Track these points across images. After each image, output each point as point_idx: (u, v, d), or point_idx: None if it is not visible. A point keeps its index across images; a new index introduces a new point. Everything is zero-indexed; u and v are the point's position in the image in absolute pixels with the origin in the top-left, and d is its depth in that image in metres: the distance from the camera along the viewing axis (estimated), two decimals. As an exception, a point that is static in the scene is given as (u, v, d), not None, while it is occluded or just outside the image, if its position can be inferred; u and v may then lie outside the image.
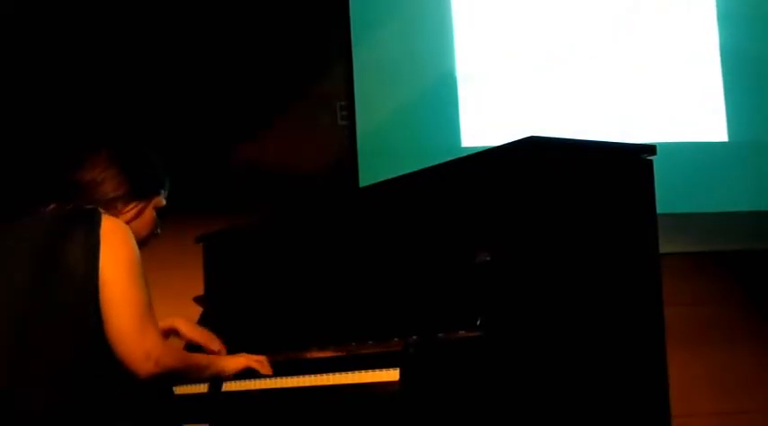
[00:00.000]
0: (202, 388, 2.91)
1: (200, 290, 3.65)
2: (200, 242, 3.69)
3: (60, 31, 4.51)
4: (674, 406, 2.85)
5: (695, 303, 4.88)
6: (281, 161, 4.71)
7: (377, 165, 4.60)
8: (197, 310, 3.54)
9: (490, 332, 2.48)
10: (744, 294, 5.00)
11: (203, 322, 3.47)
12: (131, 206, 2.68)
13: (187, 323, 3.05)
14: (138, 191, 2.69)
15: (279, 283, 3.32)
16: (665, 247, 2.92)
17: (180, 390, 2.97)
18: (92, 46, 4.54)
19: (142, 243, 2.65)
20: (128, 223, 2.63)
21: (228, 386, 2.88)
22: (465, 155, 2.85)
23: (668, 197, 3.46)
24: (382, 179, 3.12)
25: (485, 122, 4.80)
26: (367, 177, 4.59)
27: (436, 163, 2.89)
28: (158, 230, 2.79)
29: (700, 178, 4.91)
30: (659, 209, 2.88)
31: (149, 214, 2.74)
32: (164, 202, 2.79)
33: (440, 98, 4.82)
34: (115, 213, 2.62)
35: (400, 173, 3.00)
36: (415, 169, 2.93)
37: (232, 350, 2.97)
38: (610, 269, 2.77)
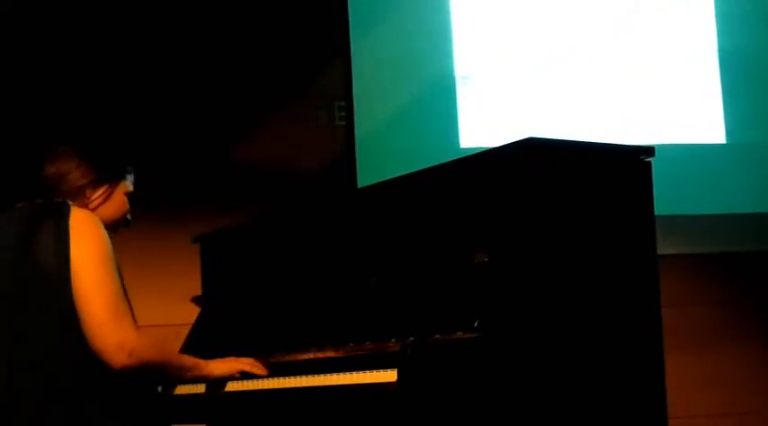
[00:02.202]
0: (200, 389, 2.91)
1: (197, 290, 3.65)
2: (196, 242, 3.69)
3: (60, 31, 4.51)
4: (671, 407, 2.85)
5: (693, 304, 4.88)
6: (279, 161, 4.70)
7: (375, 166, 4.60)
8: (194, 310, 3.54)
9: (488, 333, 2.48)
10: (741, 295, 5.00)
11: (201, 322, 3.47)
12: (100, 191, 2.72)
13: None
14: (103, 176, 2.73)
15: (276, 284, 3.31)
16: (662, 249, 2.92)
17: (177, 390, 2.97)
18: (91, 45, 4.54)
19: (112, 228, 2.68)
20: (98, 207, 2.68)
21: (225, 387, 2.87)
22: (463, 155, 2.84)
23: (666, 198, 3.45)
24: (380, 179, 3.12)
25: (483, 123, 4.80)
26: (365, 177, 4.59)
27: (434, 163, 2.89)
28: (129, 217, 2.82)
29: (698, 180, 4.91)
30: (657, 211, 2.88)
31: (119, 198, 2.77)
32: (131, 188, 2.82)
33: (438, 98, 4.81)
34: (85, 201, 2.66)
35: (398, 174, 2.99)
36: (414, 170, 2.93)
37: (230, 350, 2.97)
38: (608, 270, 2.77)
